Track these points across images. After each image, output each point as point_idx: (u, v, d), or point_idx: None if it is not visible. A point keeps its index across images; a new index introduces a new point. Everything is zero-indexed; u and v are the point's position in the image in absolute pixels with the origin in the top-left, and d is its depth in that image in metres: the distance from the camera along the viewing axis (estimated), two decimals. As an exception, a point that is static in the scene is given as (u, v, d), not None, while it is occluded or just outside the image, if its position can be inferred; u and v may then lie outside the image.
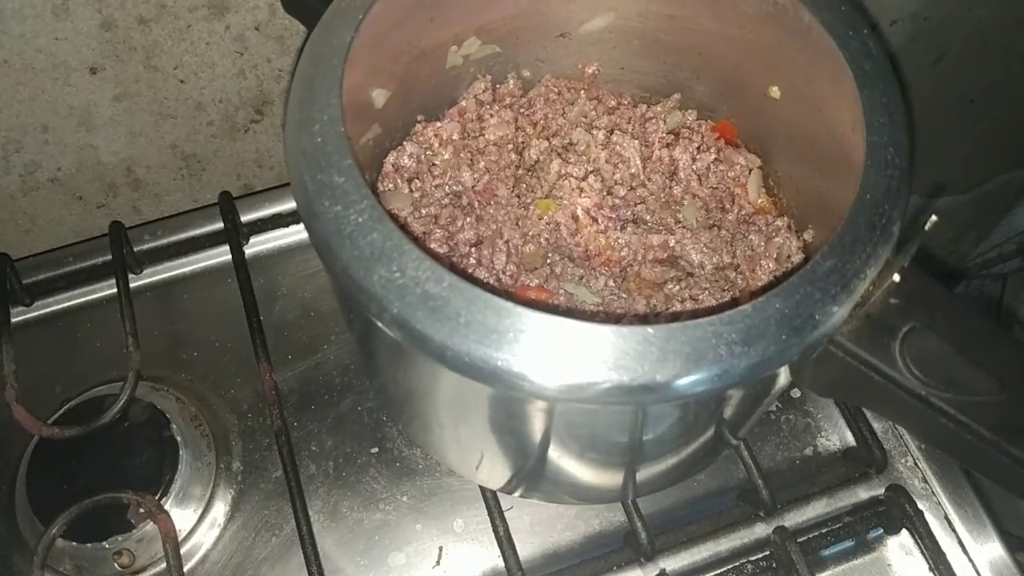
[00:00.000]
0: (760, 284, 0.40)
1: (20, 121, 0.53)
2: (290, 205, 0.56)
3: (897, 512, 0.47)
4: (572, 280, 0.39)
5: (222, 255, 0.55)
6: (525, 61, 0.46)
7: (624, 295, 0.40)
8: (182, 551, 0.45)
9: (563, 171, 0.43)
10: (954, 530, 0.48)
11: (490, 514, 0.45)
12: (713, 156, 0.45)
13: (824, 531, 0.47)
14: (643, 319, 0.38)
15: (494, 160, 0.44)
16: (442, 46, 0.43)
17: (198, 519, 0.47)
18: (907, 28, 0.64)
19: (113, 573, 0.45)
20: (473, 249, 0.40)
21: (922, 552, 0.47)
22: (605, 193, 0.43)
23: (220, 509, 0.48)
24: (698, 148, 0.45)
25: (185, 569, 0.45)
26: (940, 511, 0.48)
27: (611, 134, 0.45)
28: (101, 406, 0.47)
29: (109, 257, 0.52)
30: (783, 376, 0.32)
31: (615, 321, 0.37)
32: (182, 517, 0.47)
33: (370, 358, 0.44)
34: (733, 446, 0.46)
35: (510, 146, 0.45)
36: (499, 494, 0.46)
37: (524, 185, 0.44)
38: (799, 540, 0.45)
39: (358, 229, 0.31)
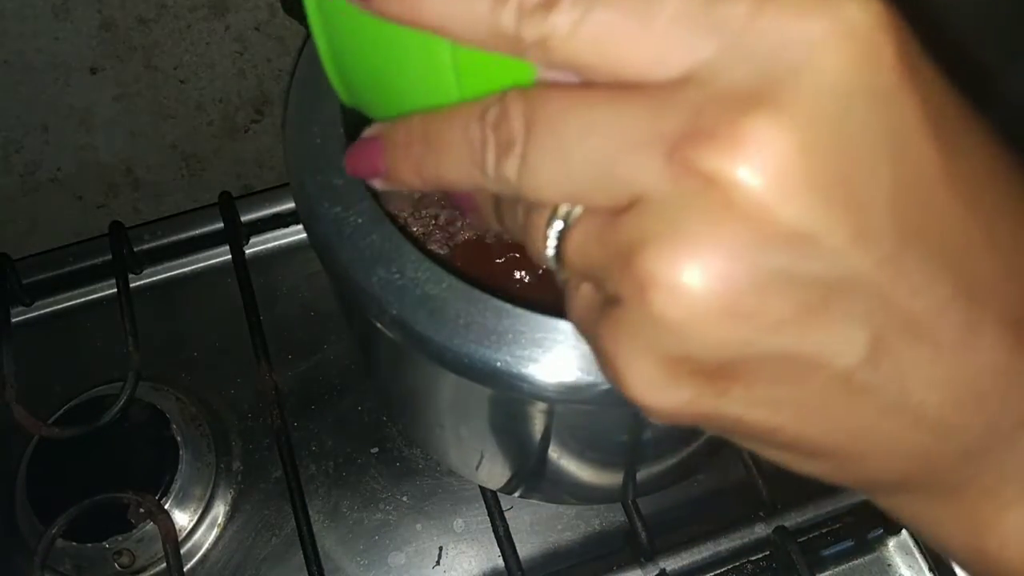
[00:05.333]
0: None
1: (20, 121, 0.53)
2: (290, 205, 0.56)
3: (897, 512, 0.47)
4: None
5: (222, 255, 0.55)
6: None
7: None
8: (182, 551, 0.45)
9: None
10: (954, 530, 0.48)
11: (490, 514, 0.45)
12: None
13: (824, 531, 0.47)
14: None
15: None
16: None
17: (198, 519, 0.47)
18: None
19: (113, 573, 0.45)
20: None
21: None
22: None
23: (220, 509, 0.48)
24: None
25: (185, 569, 0.45)
26: (940, 511, 0.48)
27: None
28: (101, 406, 0.47)
29: (109, 257, 0.52)
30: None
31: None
32: (182, 517, 0.47)
33: (370, 358, 0.44)
34: (733, 445, 0.46)
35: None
36: (499, 494, 0.46)
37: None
38: (799, 540, 0.45)
39: (358, 230, 0.31)
